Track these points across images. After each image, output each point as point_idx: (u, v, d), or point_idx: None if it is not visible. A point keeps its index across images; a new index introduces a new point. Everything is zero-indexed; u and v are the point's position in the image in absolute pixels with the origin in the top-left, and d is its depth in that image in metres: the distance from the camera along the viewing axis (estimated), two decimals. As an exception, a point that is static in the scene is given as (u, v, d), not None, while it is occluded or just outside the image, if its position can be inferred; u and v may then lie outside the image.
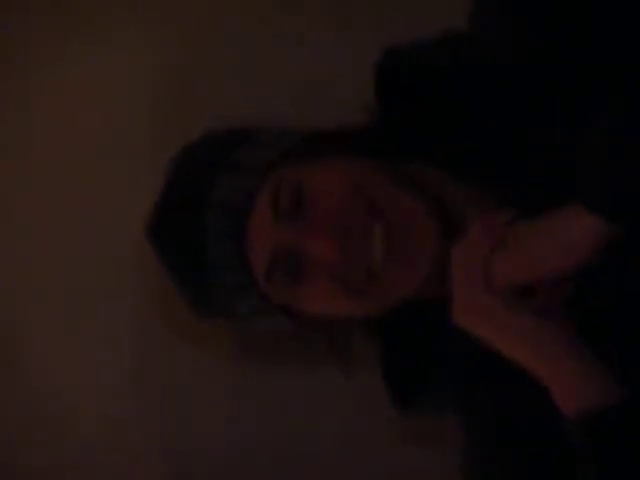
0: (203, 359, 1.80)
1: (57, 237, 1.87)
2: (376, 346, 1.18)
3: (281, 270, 1.08)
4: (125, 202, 1.70)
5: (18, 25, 1.86)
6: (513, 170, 1.09)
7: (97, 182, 1.81)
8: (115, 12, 1.84)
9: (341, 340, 1.16)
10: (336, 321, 1.13)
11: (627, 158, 0.93)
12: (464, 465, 1.17)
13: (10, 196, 1.87)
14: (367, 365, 1.15)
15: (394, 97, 1.14)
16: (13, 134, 1.89)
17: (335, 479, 1.80)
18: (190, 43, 1.83)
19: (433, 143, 1.13)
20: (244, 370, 1.80)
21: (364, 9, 1.75)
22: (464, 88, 1.10)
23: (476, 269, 1.01)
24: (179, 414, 1.88)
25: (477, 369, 1.12)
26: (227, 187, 1.08)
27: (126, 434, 1.91)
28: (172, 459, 1.90)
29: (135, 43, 1.85)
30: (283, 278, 1.08)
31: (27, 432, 1.95)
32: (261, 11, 1.82)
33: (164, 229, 1.13)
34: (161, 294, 1.66)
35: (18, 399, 1.94)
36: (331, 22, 1.76)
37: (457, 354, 1.12)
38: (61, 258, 1.87)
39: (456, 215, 1.10)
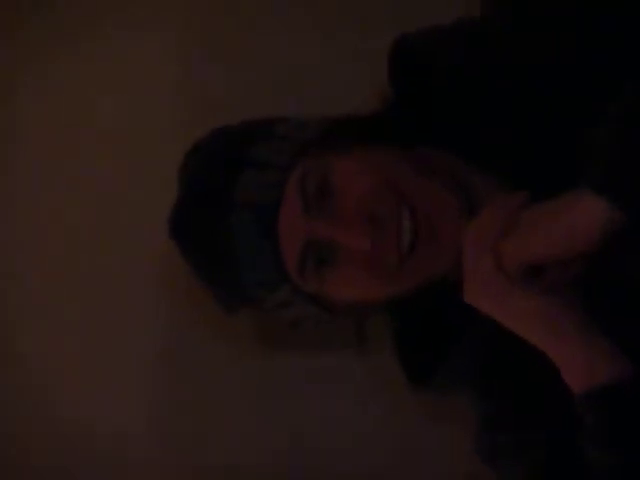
0: (221, 350, 1.82)
1: (76, 237, 1.88)
2: (391, 325, 1.19)
3: (312, 261, 1.09)
4: (144, 200, 1.71)
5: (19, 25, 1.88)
6: (525, 154, 1.10)
7: (114, 178, 1.83)
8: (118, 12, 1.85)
9: (362, 322, 1.18)
10: (363, 306, 1.14)
11: (634, 144, 0.94)
12: (477, 443, 1.19)
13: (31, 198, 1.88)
14: (382, 345, 1.18)
15: (407, 83, 1.15)
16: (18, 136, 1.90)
17: (351, 463, 1.81)
18: (196, 37, 1.84)
19: (446, 128, 1.14)
20: (262, 358, 1.81)
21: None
22: (476, 74, 1.11)
23: (486, 249, 1.03)
24: (196, 412, 1.89)
25: (493, 348, 1.13)
26: (251, 184, 1.09)
27: (143, 431, 1.92)
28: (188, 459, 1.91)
29: (139, 38, 1.86)
30: (314, 268, 1.09)
31: (39, 432, 1.96)
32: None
33: (190, 229, 1.13)
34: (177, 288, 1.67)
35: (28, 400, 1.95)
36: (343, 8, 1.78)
37: (473, 333, 1.13)
38: (79, 259, 1.88)
39: (475, 198, 1.11)
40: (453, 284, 1.09)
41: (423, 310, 1.17)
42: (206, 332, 1.81)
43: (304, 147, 1.10)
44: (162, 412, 1.92)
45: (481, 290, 1.04)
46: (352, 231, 1.07)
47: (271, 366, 1.83)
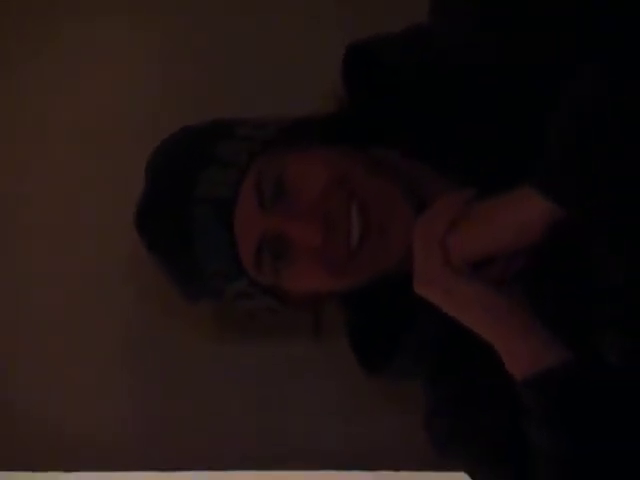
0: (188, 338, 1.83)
1: (41, 232, 1.89)
2: (345, 316, 1.24)
3: (268, 255, 1.13)
4: (117, 197, 1.72)
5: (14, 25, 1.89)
6: (473, 153, 1.14)
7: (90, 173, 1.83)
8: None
9: (318, 312, 1.23)
10: (318, 297, 1.19)
11: (580, 144, 0.98)
12: (429, 430, 1.23)
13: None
14: (338, 333, 1.22)
15: (361, 86, 1.19)
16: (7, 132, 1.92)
17: (313, 444, 1.83)
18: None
19: (398, 129, 1.18)
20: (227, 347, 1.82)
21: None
22: (426, 77, 1.15)
23: (435, 242, 1.07)
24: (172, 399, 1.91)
25: (444, 336, 1.17)
26: (212, 181, 1.13)
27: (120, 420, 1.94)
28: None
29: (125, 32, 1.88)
30: (270, 262, 1.14)
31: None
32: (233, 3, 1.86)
33: (152, 222, 1.18)
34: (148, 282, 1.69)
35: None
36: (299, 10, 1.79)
37: (425, 322, 1.17)
38: (46, 256, 1.89)
39: (425, 196, 1.15)
40: (405, 275, 1.13)
41: (376, 301, 1.22)
42: (169, 322, 1.83)
43: (262, 147, 1.15)
44: (129, 408, 1.94)
45: (429, 282, 1.08)
46: (304, 227, 1.11)
47: (235, 354, 1.85)
